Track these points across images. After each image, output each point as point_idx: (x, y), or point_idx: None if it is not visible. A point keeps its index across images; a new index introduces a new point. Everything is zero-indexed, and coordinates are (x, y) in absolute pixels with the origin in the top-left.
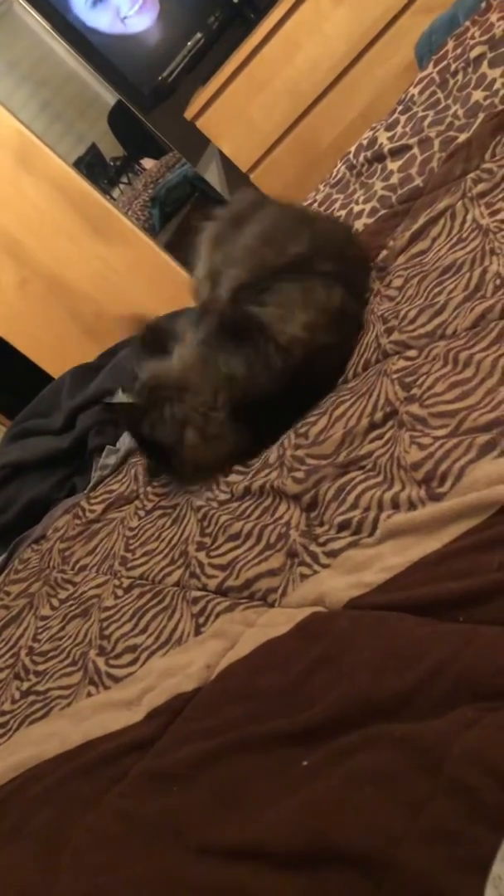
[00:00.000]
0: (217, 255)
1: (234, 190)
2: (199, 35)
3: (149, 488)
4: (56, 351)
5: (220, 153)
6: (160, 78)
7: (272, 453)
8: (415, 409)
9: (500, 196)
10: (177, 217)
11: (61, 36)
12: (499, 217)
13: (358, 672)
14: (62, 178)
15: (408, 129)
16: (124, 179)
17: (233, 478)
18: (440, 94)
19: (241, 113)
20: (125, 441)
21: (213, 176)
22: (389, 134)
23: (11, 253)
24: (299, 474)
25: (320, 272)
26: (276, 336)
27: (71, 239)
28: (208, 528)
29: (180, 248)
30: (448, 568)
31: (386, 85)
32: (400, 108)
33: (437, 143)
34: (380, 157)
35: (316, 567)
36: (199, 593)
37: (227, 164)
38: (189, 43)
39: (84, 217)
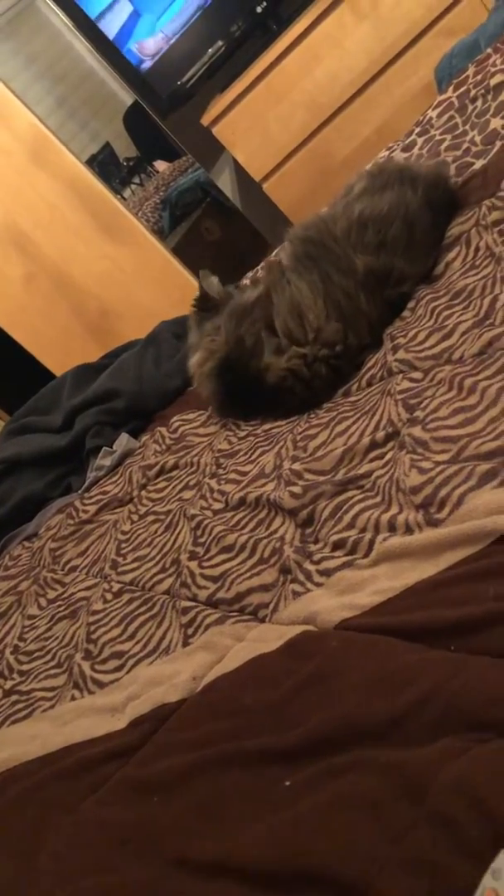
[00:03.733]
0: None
1: (246, 198)
2: (220, 42)
3: (143, 492)
4: (58, 347)
5: (234, 161)
6: (179, 82)
7: (269, 463)
8: (417, 431)
9: None
10: (187, 221)
11: (82, 34)
12: None
13: (346, 694)
14: (74, 175)
15: (424, 152)
16: (136, 180)
17: (227, 487)
18: (458, 119)
19: (258, 122)
20: (122, 443)
21: (225, 183)
22: (406, 155)
23: (19, 247)
24: (296, 489)
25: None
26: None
27: (79, 236)
28: (202, 537)
29: (188, 253)
30: (442, 595)
31: (403, 103)
32: (418, 129)
33: (453, 167)
34: None
35: (309, 585)
36: (189, 603)
37: (241, 172)
38: (210, 50)
39: (94, 216)
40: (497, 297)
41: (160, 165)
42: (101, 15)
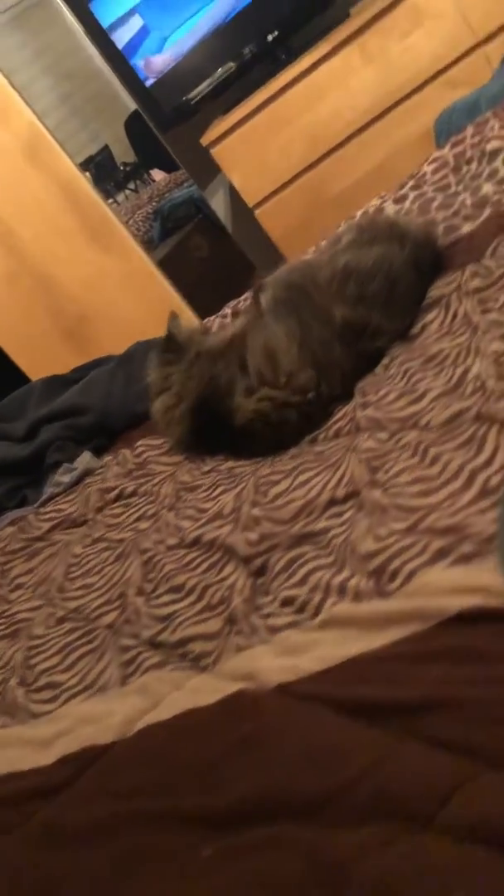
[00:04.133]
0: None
1: (237, 221)
2: (230, 64)
3: (98, 515)
4: (33, 348)
5: (229, 183)
6: (184, 98)
7: (228, 503)
8: (377, 495)
9: (494, 297)
10: (177, 235)
11: (90, 36)
12: (489, 317)
13: (277, 765)
14: (68, 177)
15: (415, 207)
16: (132, 186)
17: (185, 522)
18: (452, 179)
19: (257, 148)
20: (83, 461)
21: (218, 204)
22: (396, 207)
23: (4, 243)
24: (253, 536)
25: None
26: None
27: (66, 239)
28: (151, 573)
29: (174, 267)
30: (384, 671)
31: (401, 149)
32: (411, 183)
33: (441, 228)
34: None
35: (253, 640)
36: (130, 641)
37: (234, 196)
38: (220, 70)
39: (83, 220)
40: (469, 369)
41: (157, 175)
42: (113, 26)
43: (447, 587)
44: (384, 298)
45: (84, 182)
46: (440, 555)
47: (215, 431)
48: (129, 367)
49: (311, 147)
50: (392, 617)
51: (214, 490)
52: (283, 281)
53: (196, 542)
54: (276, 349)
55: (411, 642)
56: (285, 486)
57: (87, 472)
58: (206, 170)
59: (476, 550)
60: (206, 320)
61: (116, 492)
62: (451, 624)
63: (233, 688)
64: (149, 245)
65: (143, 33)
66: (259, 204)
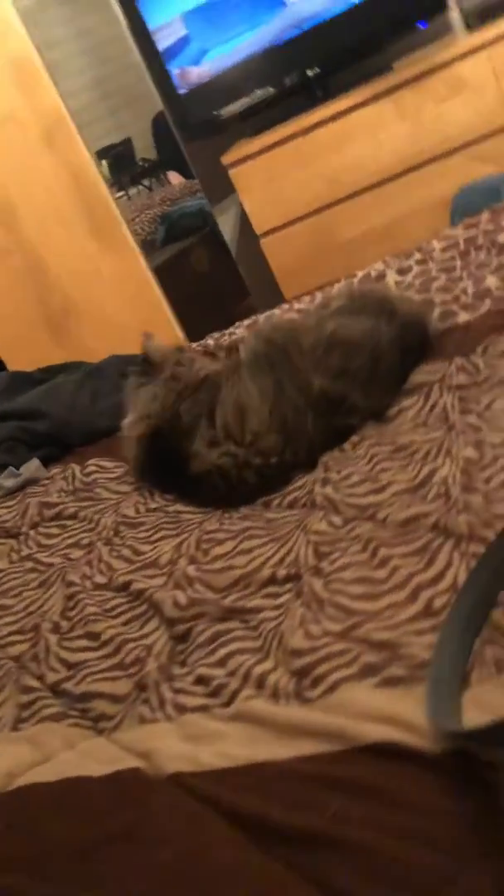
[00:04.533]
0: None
1: (242, 245)
2: (270, 89)
3: (32, 531)
4: (13, 332)
5: (241, 207)
6: (213, 112)
7: (166, 553)
8: (318, 585)
9: (476, 397)
10: (180, 243)
11: (132, 31)
12: (467, 419)
13: (151, 871)
14: (81, 167)
15: (416, 283)
16: (146, 182)
17: (117, 563)
18: (458, 262)
19: (275, 179)
20: (30, 469)
21: (227, 223)
22: (399, 279)
23: (3, 219)
24: (182, 598)
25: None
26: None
27: (67, 229)
28: (71, 611)
29: (171, 275)
30: (285, 790)
31: (416, 210)
32: (417, 256)
33: (438, 311)
34: None
35: (158, 714)
36: (33, 683)
37: (244, 220)
38: (257, 92)
39: (87, 212)
40: (436, 470)
41: (174, 178)
42: (157, 27)
43: (368, 711)
44: (366, 376)
45: (95, 173)
46: (369, 671)
47: (165, 468)
48: (97, 380)
49: (329, 189)
50: (306, 729)
51: (155, 532)
52: (266, 336)
53: (124, 587)
54: (246, 407)
55: (319, 763)
56: (228, 549)
57: (32, 481)
58: (221, 187)
59: (407, 675)
60: (185, 346)
61: (57, 510)
62: (363, 753)
63: (127, 762)
64: (150, 247)
65: (184, 42)
66: (266, 233)
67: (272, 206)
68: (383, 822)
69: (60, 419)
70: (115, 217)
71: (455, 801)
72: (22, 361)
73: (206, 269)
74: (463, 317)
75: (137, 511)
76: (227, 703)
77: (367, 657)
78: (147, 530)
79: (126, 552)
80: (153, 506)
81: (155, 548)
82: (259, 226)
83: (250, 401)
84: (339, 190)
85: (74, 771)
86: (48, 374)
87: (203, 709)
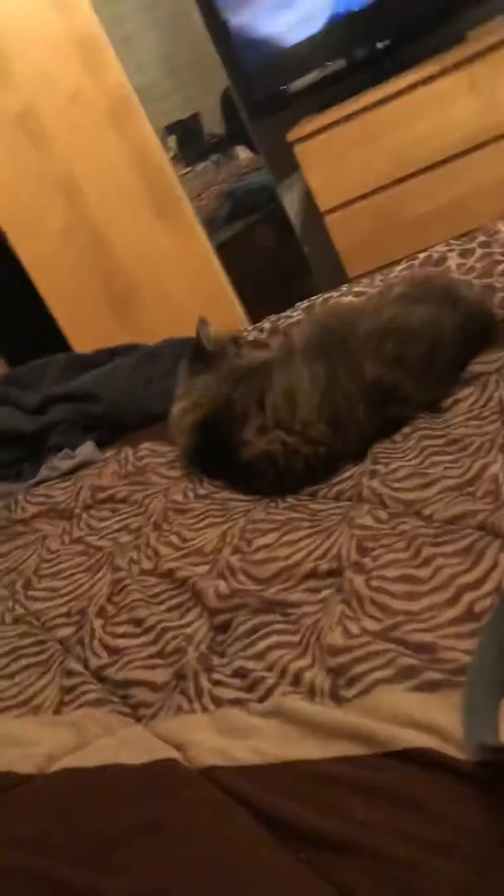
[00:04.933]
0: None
1: (306, 223)
2: (340, 62)
3: (84, 513)
4: (75, 307)
5: (306, 184)
6: (281, 88)
7: (212, 541)
8: (359, 582)
9: None
10: (245, 220)
11: (202, 5)
12: None
13: (177, 863)
14: (146, 145)
15: (478, 266)
16: (214, 157)
17: (164, 549)
18: None
19: (341, 156)
20: (85, 451)
21: (291, 201)
22: (460, 261)
23: (69, 197)
24: (224, 588)
25: None
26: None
27: (130, 206)
28: (117, 596)
29: (234, 251)
30: (315, 792)
31: (485, 189)
32: (481, 238)
33: (500, 296)
34: None
35: (195, 705)
36: (76, 667)
37: (308, 197)
38: (325, 65)
39: (152, 190)
40: (487, 466)
41: (242, 153)
42: (227, 2)
43: (402, 716)
44: (422, 366)
45: (160, 151)
46: (406, 674)
47: (216, 456)
48: (152, 364)
49: (395, 166)
50: (339, 731)
51: (203, 519)
52: (321, 322)
53: (169, 574)
54: (297, 394)
55: (350, 765)
56: (272, 540)
57: (86, 463)
58: (285, 164)
59: (444, 680)
60: (242, 330)
61: (108, 493)
62: (395, 758)
63: (163, 753)
64: (213, 223)
65: (252, 15)
66: (331, 211)
67: (337, 183)
68: (410, 832)
69: (115, 403)
70: (179, 196)
71: (484, 814)
72: (86, 341)
73: (269, 247)
74: None
75: (186, 497)
76: (263, 698)
77: (405, 659)
78: (194, 517)
79: (173, 538)
80: (202, 492)
81: (201, 535)
82: (323, 203)
83: (301, 388)
84: (405, 167)
85: (113, 758)
86: (104, 356)
87: (238, 702)
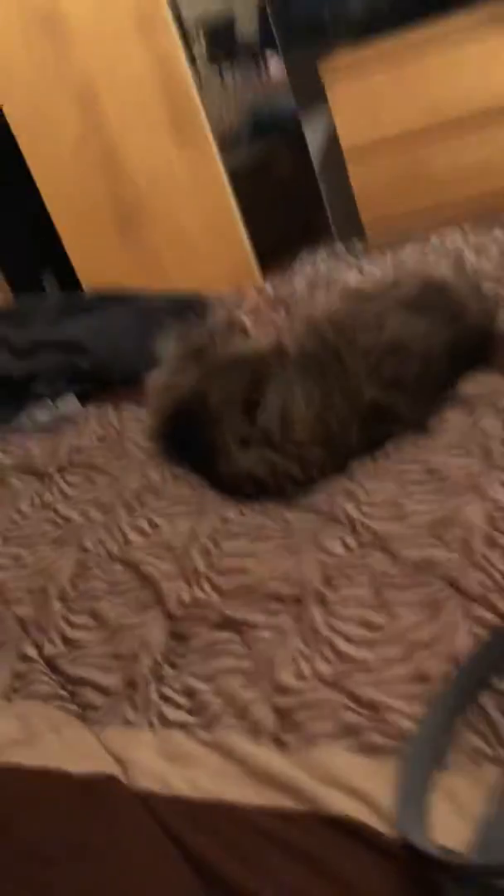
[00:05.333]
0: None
1: (325, 161)
2: None
3: (58, 475)
4: (79, 221)
5: (332, 121)
6: (318, 12)
7: (181, 535)
8: (317, 616)
9: None
10: (266, 141)
11: None
12: None
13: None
14: (170, 57)
15: (490, 268)
16: (242, 66)
17: (133, 535)
18: None
19: (372, 95)
20: (67, 405)
21: (313, 132)
22: (474, 259)
23: (85, 104)
24: (186, 596)
25: None
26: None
27: (148, 123)
28: (80, 578)
29: (248, 174)
30: (245, 843)
31: None
32: (497, 233)
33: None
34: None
35: (142, 720)
36: (31, 652)
37: (331, 134)
38: None
39: (172, 109)
40: (461, 508)
41: (273, 63)
42: None
43: (338, 779)
44: (416, 384)
45: (183, 65)
46: (348, 731)
47: (186, 450)
48: (146, 321)
49: (428, 116)
50: (277, 781)
51: (175, 505)
52: (320, 331)
53: (134, 566)
54: (292, 414)
55: (282, 820)
56: (240, 546)
57: (67, 418)
58: (314, 92)
59: (384, 745)
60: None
61: (85, 456)
62: (325, 823)
63: (104, 766)
64: (233, 141)
65: None
66: (353, 151)
67: (364, 123)
68: None
69: (103, 358)
70: (200, 118)
71: (400, 893)
72: (87, 257)
73: (286, 175)
74: None
75: (163, 477)
76: (208, 726)
77: (350, 715)
78: (167, 500)
79: (143, 523)
80: (178, 471)
81: (172, 526)
82: (347, 142)
83: (296, 409)
84: (438, 119)
85: (55, 760)
86: (101, 301)
87: (184, 727)
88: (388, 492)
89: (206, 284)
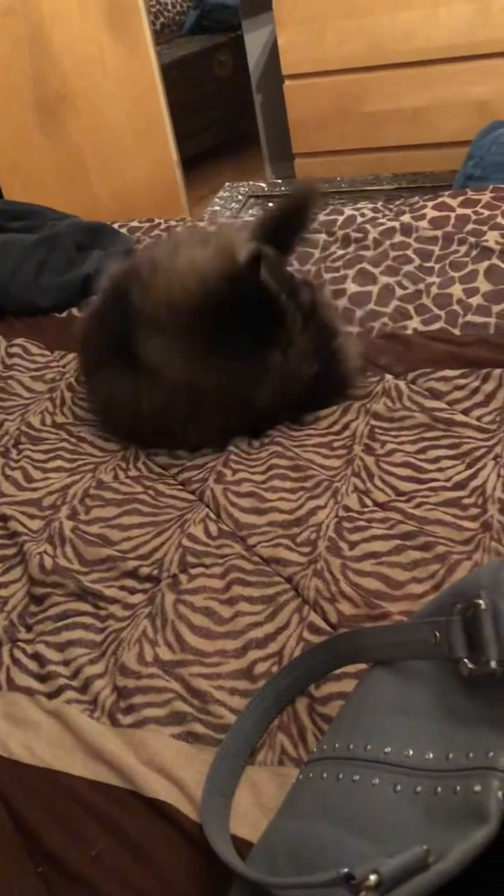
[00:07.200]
0: None
1: (264, 75)
2: None
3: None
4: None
5: (274, 39)
6: None
7: (52, 493)
8: (169, 603)
9: (382, 437)
10: (207, 37)
11: None
12: (365, 460)
13: None
14: None
15: (383, 264)
16: None
17: (5, 486)
18: (436, 250)
19: (318, 22)
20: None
21: (253, 44)
22: (368, 254)
23: None
24: (48, 562)
25: None
26: None
27: (82, 8)
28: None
29: (186, 71)
30: (68, 808)
31: (452, 104)
32: (407, 216)
33: (392, 305)
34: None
35: None
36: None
37: (273, 52)
38: None
39: None
40: (316, 511)
41: None
42: None
43: (158, 763)
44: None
45: None
46: (175, 719)
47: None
48: (48, 250)
49: (370, 52)
50: (105, 755)
51: (52, 458)
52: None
53: (3, 520)
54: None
55: (104, 794)
56: (109, 515)
57: None
58: (260, 6)
59: (204, 735)
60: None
61: None
62: (143, 802)
63: None
64: (173, 32)
65: None
66: (292, 77)
67: (305, 50)
68: (130, 880)
69: None
70: (138, 8)
71: (199, 875)
72: (5, 143)
73: (225, 77)
74: (412, 326)
75: (43, 422)
76: (53, 695)
77: (179, 704)
78: (45, 451)
79: (17, 474)
80: (59, 420)
81: (46, 478)
82: (287, 66)
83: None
84: (380, 56)
85: None
86: (4, 218)
87: (27, 691)
88: (254, 482)
89: (126, 185)
